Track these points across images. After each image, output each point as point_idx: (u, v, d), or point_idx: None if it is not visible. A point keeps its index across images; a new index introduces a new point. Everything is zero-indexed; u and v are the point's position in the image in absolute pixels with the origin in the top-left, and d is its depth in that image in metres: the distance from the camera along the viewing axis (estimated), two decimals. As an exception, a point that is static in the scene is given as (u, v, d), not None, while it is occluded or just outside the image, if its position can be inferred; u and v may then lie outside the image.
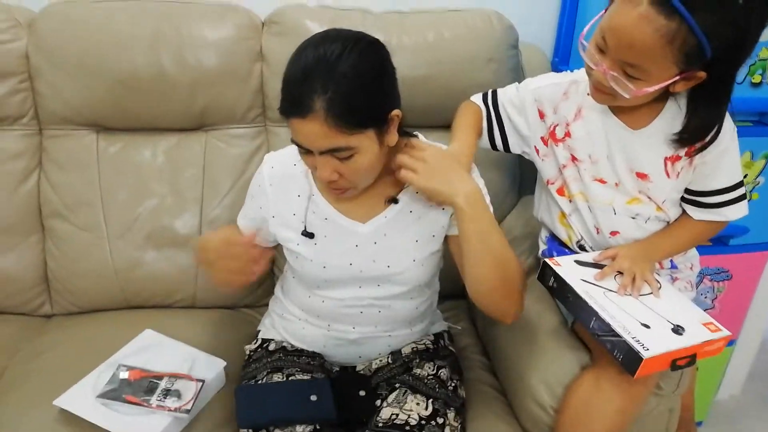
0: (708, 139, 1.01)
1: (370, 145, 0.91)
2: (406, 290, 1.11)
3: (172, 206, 1.44)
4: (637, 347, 0.94)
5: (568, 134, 1.12)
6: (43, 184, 1.43)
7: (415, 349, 1.18)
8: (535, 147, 1.19)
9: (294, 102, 0.87)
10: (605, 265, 1.10)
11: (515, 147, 1.23)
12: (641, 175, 1.09)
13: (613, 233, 1.15)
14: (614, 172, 1.10)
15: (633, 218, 1.13)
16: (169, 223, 1.43)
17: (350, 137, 0.88)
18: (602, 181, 1.12)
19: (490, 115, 1.22)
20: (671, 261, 1.21)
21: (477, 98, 1.26)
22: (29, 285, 1.45)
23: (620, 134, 1.08)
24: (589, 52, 0.97)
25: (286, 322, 1.20)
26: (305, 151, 0.93)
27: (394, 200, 1.06)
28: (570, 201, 1.17)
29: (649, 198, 1.11)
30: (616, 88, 0.95)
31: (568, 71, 1.19)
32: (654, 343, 0.95)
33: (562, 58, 1.68)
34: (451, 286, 1.29)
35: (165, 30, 1.38)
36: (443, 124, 1.48)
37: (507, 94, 1.22)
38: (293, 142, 0.93)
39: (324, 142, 0.88)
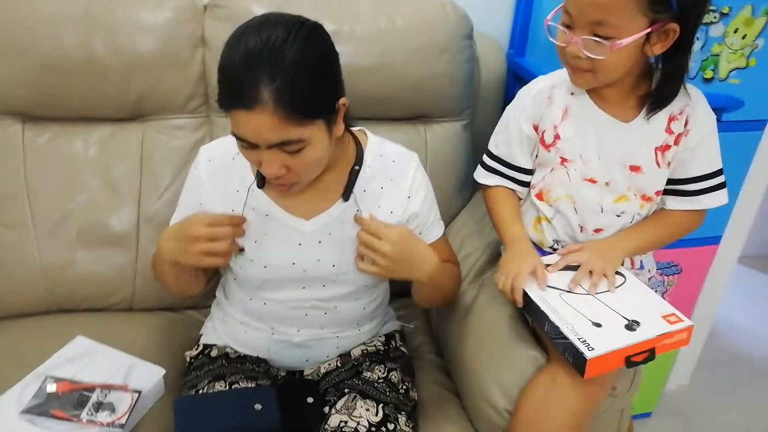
0: (668, 93, 1.01)
1: (320, 137, 0.86)
2: (353, 290, 1.07)
3: (106, 202, 1.34)
4: (582, 348, 0.91)
5: (557, 137, 1.09)
6: (-39, 178, 1.31)
7: (365, 351, 1.13)
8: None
9: (237, 92, 0.80)
10: (571, 267, 1.07)
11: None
12: (634, 168, 1.08)
13: (597, 230, 1.13)
14: (606, 170, 1.08)
15: (618, 216, 1.12)
16: (103, 219, 1.34)
17: (301, 129, 0.82)
18: (592, 181, 1.10)
19: (501, 173, 1.18)
20: (640, 261, 1.20)
21: (486, 176, 1.20)
22: (-53, 288, 1.33)
23: (611, 129, 1.06)
24: (558, 33, 0.97)
25: (228, 327, 1.14)
26: (249, 146, 0.85)
27: (346, 196, 1.01)
28: (551, 205, 1.14)
29: (635, 195, 1.10)
30: (591, 55, 0.94)
31: (541, 77, 1.16)
32: (601, 342, 0.93)
33: (518, 50, 1.65)
34: (405, 284, 1.24)
35: (96, 10, 1.28)
36: (392, 117, 1.45)
37: (509, 134, 1.15)
38: (234, 135, 0.86)
39: (273, 135, 0.82)
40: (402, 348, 1.18)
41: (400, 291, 1.29)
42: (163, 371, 1.12)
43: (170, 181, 1.37)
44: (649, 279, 1.25)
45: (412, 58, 1.38)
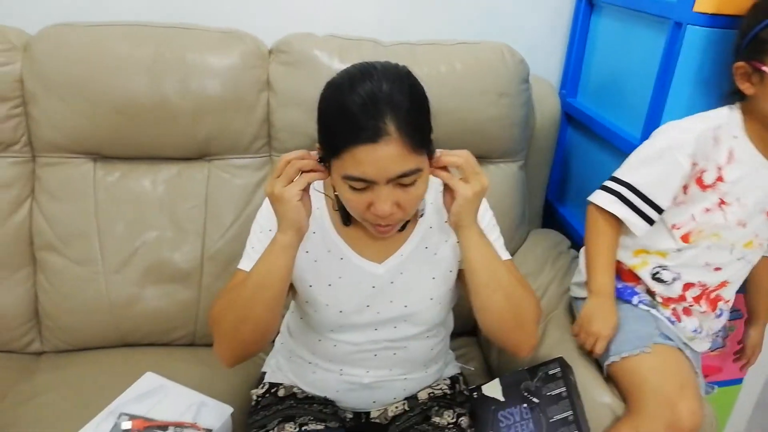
0: None
1: (426, 168, 0.88)
2: (423, 330, 1.07)
3: (172, 239, 1.38)
4: None
5: (720, 179, 1.10)
6: (35, 215, 1.36)
7: (431, 394, 1.13)
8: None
9: (362, 128, 0.81)
10: None
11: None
12: None
13: (717, 269, 1.16)
14: (749, 214, 1.12)
15: (738, 260, 1.16)
16: (168, 257, 1.37)
17: (418, 158, 0.84)
18: (743, 225, 1.13)
19: (630, 203, 1.15)
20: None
21: (612, 203, 1.16)
22: (18, 321, 1.37)
23: (763, 173, 1.10)
24: None
25: (295, 366, 1.15)
26: (362, 187, 0.85)
27: (402, 226, 0.99)
28: (688, 242, 1.15)
29: (760, 243, 1.16)
30: None
31: (696, 117, 1.14)
32: None
33: (570, 90, 1.67)
34: (460, 323, 1.25)
35: (167, 56, 1.33)
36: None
37: (657, 173, 1.13)
38: (348, 178, 0.84)
39: (398, 167, 0.83)
40: (466, 392, 1.18)
41: (456, 332, 1.29)
42: (231, 409, 1.13)
43: (233, 218, 1.40)
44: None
45: (471, 101, 1.40)
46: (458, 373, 1.24)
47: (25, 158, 1.37)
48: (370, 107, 0.81)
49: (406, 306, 1.03)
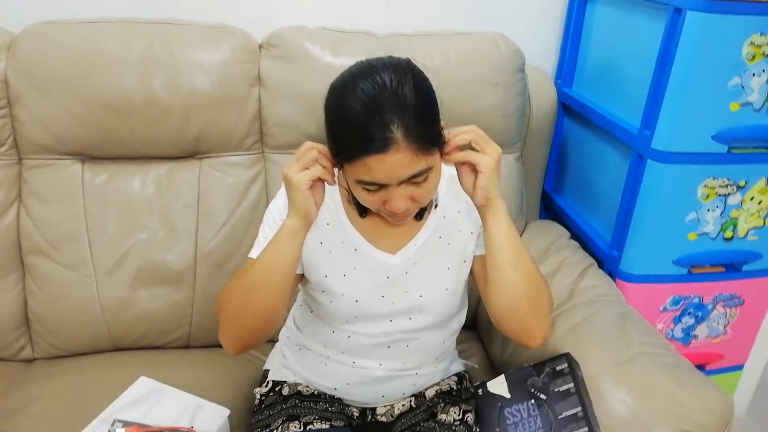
0: None
1: (438, 162, 0.88)
2: (437, 321, 1.05)
3: (163, 240, 1.34)
4: None
5: None
6: (22, 218, 1.32)
7: (438, 391, 1.11)
8: None
9: (368, 139, 0.80)
10: None
11: None
12: None
13: None
14: None
15: None
16: (160, 258, 1.34)
17: (428, 158, 0.84)
18: None
19: None
20: None
21: None
22: (8, 327, 1.33)
23: None
24: None
25: (304, 358, 1.12)
26: (376, 188, 0.86)
27: (419, 215, 1.01)
28: None
29: None
30: None
31: None
32: None
33: (566, 80, 1.65)
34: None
35: (156, 52, 1.30)
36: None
37: None
38: (361, 183, 0.85)
39: (407, 171, 0.83)
40: (471, 389, 1.16)
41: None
42: (228, 412, 1.10)
43: (226, 218, 1.37)
44: (712, 304, 1.24)
45: (466, 92, 1.38)
46: (464, 371, 1.21)
47: (10, 161, 1.33)
48: (375, 116, 0.80)
49: (421, 296, 1.02)
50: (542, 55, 1.69)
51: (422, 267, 1.02)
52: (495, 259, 0.94)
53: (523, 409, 1.06)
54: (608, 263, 1.44)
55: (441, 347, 1.10)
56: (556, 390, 1.05)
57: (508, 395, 1.09)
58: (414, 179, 0.84)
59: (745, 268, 1.43)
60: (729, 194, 1.31)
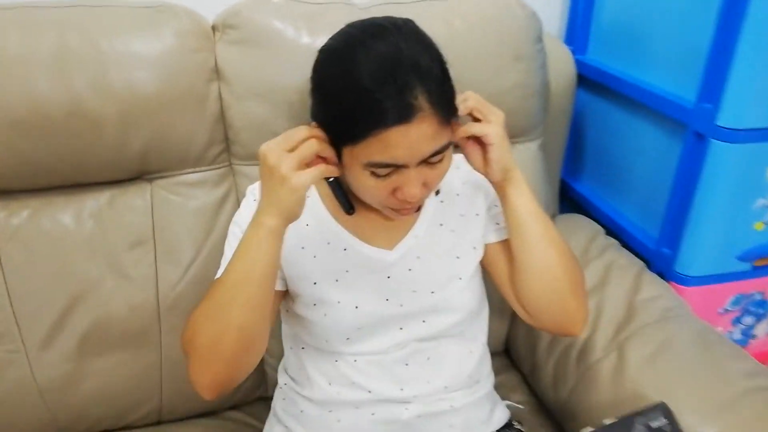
0: None
1: (451, 147, 0.77)
2: (456, 321, 0.89)
3: (113, 291, 1.03)
4: None
5: None
6: None
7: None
8: None
9: (388, 108, 0.67)
10: None
11: None
12: None
13: None
14: None
15: None
16: (111, 316, 1.03)
17: (449, 132, 0.74)
18: None
19: None
20: None
21: None
22: None
23: None
24: None
25: (310, 421, 0.89)
26: (388, 173, 0.72)
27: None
28: None
29: None
30: None
31: None
32: None
33: (579, 45, 1.40)
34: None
35: (74, 45, 0.97)
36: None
37: None
38: (373, 165, 0.70)
39: (431, 145, 0.71)
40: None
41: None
42: None
43: (194, 254, 1.07)
44: None
45: (481, 68, 1.11)
46: (511, 420, 0.98)
47: None
48: (395, 80, 0.67)
49: (433, 293, 0.87)
50: (547, 15, 1.42)
51: (427, 260, 0.88)
52: (524, 236, 0.84)
53: (616, 481, 0.83)
54: (657, 263, 1.21)
55: (470, 359, 0.92)
56: (657, 454, 0.82)
57: (592, 462, 0.86)
58: (433, 158, 0.72)
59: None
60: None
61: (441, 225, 0.89)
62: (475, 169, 0.82)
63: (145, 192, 1.06)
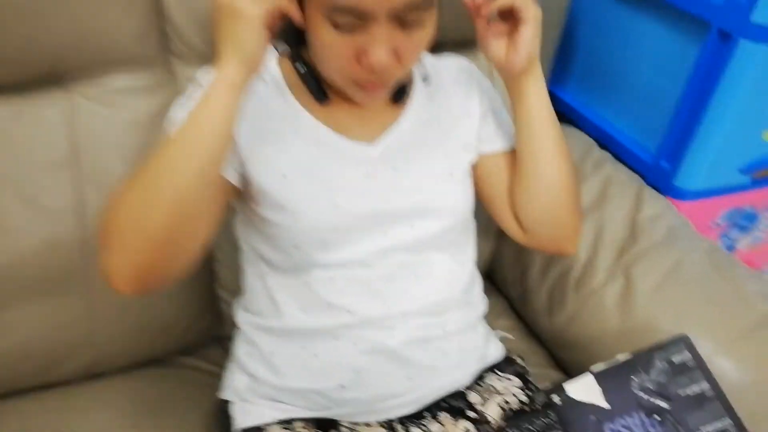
0: None
1: (434, 13, 0.67)
2: (446, 227, 0.77)
3: (23, 229, 0.83)
4: None
5: None
6: None
7: (506, 410, 0.77)
8: None
9: None
10: None
11: None
12: None
13: None
14: None
15: None
16: (23, 256, 0.83)
17: None
18: None
19: None
20: None
21: None
22: None
23: None
24: None
25: (281, 360, 0.76)
26: (352, 24, 0.61)
27: (397, 96, 0.77)
28: None
29: None
30: None
31: None
32: None
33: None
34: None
35: None
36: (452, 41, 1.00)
37: None
38: (335, 10, 0.60)
39: None
40: (542, 396, 0.81)
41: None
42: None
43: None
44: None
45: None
46: (510, 354, 0.87)
47: None
48: None
49: (421, 190, 0.76)
50: None
51: (414, 159, 0.77)
52: (539, 143, 0.77)
53: (636, 425, 0.74)
54: (653, 178, 1.10)
55: (462, 274, 0.82)
56: (681, 393, 0.73)
57: (605, 405, 0.76)
58: (409, 15, 0.62)
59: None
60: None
61: (429, 122, 0.79)
62: (490, 58, 0.73)
63: (61, 102, 0.84)
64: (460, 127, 0.81)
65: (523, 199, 0.80)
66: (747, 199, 1.15)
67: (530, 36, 0.70)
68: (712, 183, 1.08)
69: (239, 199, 0.75)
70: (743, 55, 0.92)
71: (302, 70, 0.72)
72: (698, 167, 1.05)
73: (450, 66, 0.84)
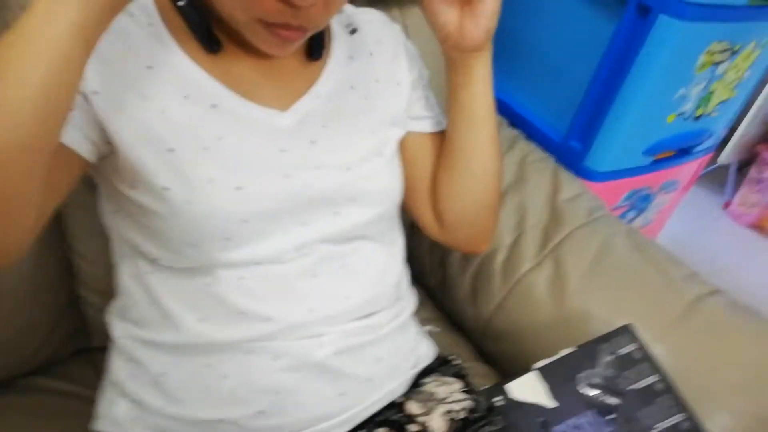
0: None
1: None
2: (376, 215, 0.65)
3: None
4: None
5: None
6: None
7: (451, 420, 0.67)
8: None
9: None
10: None
11: None
12: None
13: None
14: None
15: None
16: None
17: None
18: None
19: None
20: None
21: None
22: None
23: None
24: None
25: (177, 384, 0.60)
26: None
27: (315, 52, 0.62)
28: None
29: None
30: None
31: None
32: None
33: None
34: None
35: None
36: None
37: None
38: None
39: None
40: (483, 400, 0.73)
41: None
42: None
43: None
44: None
45: None
46: (446, 356, 0.78)
47: None
48: None
49: (348, 169, 0.62)
50: None
51: (336, 130, 0.63)
52: (476, 133, 0.68)
53: (586, 424, 0.68)
54: (564, 158, 1.07)
55: (393, 267, 0.70)
56: (632, 387, 0.69)
57: (552, 404, 0.70)
58: None
59: (696, 149, 1.19)
60: (721, 62, 1.01)
61: (352, 88, 0.65)
62: (439, 27, 0.61)
63: None
64: (387, 96, 0.68)
65: (449, 193, 0.71)
66: (646, 181, 1.17)
67: (495, 6, 0.59)
68: (619, 164, 1.07)
69: (98, 175, 0.58)
70: (661, 30, 0.91)
71: (185, 11, 0.55)
72: (609, 148, 1.04)
73: (373, 21, 0.71)
